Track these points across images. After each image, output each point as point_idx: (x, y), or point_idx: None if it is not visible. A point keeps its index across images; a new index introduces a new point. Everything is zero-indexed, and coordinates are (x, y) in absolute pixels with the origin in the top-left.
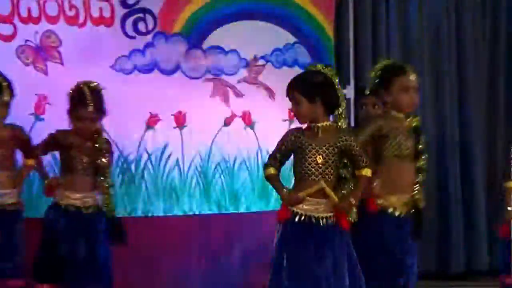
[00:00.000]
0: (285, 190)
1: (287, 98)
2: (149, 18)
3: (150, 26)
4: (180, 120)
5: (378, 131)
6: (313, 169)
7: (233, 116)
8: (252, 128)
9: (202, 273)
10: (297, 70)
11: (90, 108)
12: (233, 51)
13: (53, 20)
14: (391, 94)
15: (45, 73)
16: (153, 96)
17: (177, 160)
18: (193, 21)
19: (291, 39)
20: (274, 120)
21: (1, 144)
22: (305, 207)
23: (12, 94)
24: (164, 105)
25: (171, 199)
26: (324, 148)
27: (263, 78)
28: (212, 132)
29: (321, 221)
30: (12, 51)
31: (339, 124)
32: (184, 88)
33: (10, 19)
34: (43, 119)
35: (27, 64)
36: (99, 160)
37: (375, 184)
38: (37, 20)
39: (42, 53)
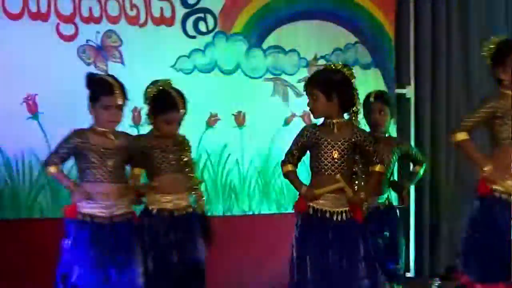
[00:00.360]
0: (303, 186)
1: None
2: (209, 18)
3: (211, 26)
4: (239, 120)
5: (492, 113)
6: (329, 164)
7: (293, 115)
8: None
9: (260, 272)
10: (357, 70)
11: (182, 112)
12: (293, 50)
13: (114, 20)
14: (507, 71)
15: (106, 72)
16: (213, 96)
17: (237, 160)
18: (254, 21)
19: (352, 38)
20: None
21: (116, 153)
22: (321, 201)
23: (125, 97)
24: (224, 105)
25: (230, 199)
26: (339, 143)
27: None
28: (272, 131)
29: (336, 215)
30: (73, 51)
31: (354, 121)
32: (244, 88)
33: (72, 19)
34: None
35: (88, 64)
36: (184, 157)
37: (487, 168)
38: (98, 20)
39: (103, 52)
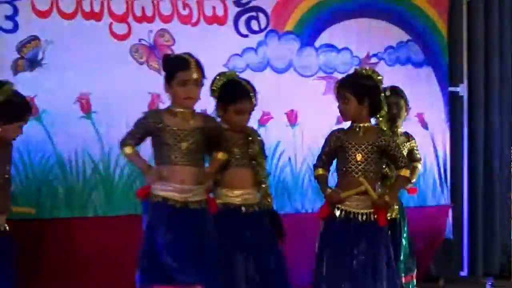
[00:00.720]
0: (328, 189)
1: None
2: (261, 16)
3: (263, 25)
4: (292, 118)
5: None
6: (353, 166)
7: None
8: None
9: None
10: (410, 68)
11: (254, 101)
12: (346, 49)
13: (166, 19)
14: None
15: (159, 71)
16: (266, 94)
17: (289, 158)
18: (306, 19)
19: (404, 36)
20: None
21: (191, 135)
22: (347, 203)
23: (202, 73)
24: (276, 103)
25: (283, 197)
26: (363, 146)
27: None
28: (325, 130)
29: (360, 216)
30: (126, 50)
31: (380, 126)
32: (296, 86)
33: (125, 19)
34: None
35: (140, 63)
36: (251, 150)
37: None
38: (151, 19)
39: (156, 51)
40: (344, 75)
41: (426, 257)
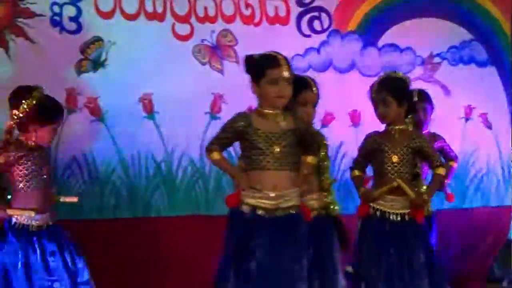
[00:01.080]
0: (363, 189)
1: (459, 96)
2: (324, 16)
3: (326, 25)
4: (355, 119)
5: None
6: (389, 168)
7: None
8: None
9: None
10: (473, 68)
11: (315, 91)
12: (409, 48)
13: (229, 19)
14: None
15: (221, 72)
16: (328, 95)
17: (352, 159)
18: (369, 19)
19: (468, 36)
20: (450, 117)
21: (283, 137)
22: (381, 202)
23: (291, 71)
24: (339, 104)
25: (348, 198)
26: (399, 148)
27: (438, 75)
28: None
29: (395, 216)
30: (188, 50)
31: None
32: (359, 86)
33: (187, 19)
34: (219, 117)
35: (203, 63)
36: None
37: None
38: (213, 19)
39: (219, 52)
40: (378, 79)
41: (489, 258)
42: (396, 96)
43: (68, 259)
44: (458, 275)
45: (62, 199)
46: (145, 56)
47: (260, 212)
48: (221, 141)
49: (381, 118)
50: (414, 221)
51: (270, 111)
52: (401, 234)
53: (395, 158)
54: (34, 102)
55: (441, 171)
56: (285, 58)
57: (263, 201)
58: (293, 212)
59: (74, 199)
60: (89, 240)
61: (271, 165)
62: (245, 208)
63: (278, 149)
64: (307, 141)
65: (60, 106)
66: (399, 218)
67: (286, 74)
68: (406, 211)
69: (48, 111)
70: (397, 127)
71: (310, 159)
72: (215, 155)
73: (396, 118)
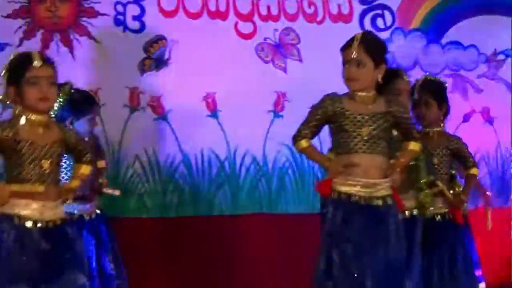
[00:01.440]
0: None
1: None
2: (387, 14)
3: (389, 22)
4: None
5: None
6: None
7: (472, 111)
8: (491, 123)
9: None
10: None
11: (406, 79)
12: (472, 46)
13: (292, 17)
14: None
15: (284, 70)
16: None
17: None
18: (432, 17)
19: None
20: None
21: (372, 120)
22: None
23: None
24: None
25: None
26: (438, 150)
27: (502, 73)
28: (451, 128)
29: (436, 216)
30: (251, 49)
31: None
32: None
33: (250, 17)
34: (281, 116)
35: (266, 62)
36: None
37: None
38: (276, 18)
39: (281, 50)
40: (420, 81)
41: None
42: (438, 99)
43: None
44: None
45: (105, 189)
46: (208, 54)
47: (354, 199)
48: (309, 127)
49: (420, 119)
50: (454, 222)
51: (361, 94)
52: (441, 234)
53: (435, 160)
54: (64, 97)
55: (474, 171)
56: (354, 39)
57: (356, 188)
58: (386, 201)
59: (117, 192)
60: (152, 239)
61: (359, 148)
62: (338, 196)
63: (366, 132)
64: (404, 126)
65: (91, 96)
66: (439, 217)
67: (355, 55)
68: (446, 210)
69: (79, 104)
70: (435, 129)
71: (412, 145)
72: (303, 143)
73: (434, 121)
